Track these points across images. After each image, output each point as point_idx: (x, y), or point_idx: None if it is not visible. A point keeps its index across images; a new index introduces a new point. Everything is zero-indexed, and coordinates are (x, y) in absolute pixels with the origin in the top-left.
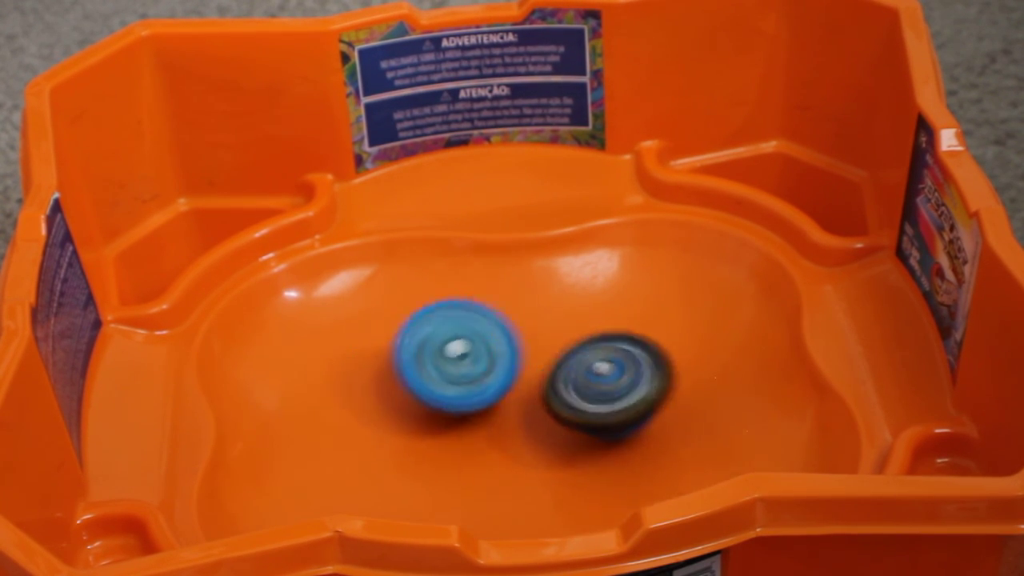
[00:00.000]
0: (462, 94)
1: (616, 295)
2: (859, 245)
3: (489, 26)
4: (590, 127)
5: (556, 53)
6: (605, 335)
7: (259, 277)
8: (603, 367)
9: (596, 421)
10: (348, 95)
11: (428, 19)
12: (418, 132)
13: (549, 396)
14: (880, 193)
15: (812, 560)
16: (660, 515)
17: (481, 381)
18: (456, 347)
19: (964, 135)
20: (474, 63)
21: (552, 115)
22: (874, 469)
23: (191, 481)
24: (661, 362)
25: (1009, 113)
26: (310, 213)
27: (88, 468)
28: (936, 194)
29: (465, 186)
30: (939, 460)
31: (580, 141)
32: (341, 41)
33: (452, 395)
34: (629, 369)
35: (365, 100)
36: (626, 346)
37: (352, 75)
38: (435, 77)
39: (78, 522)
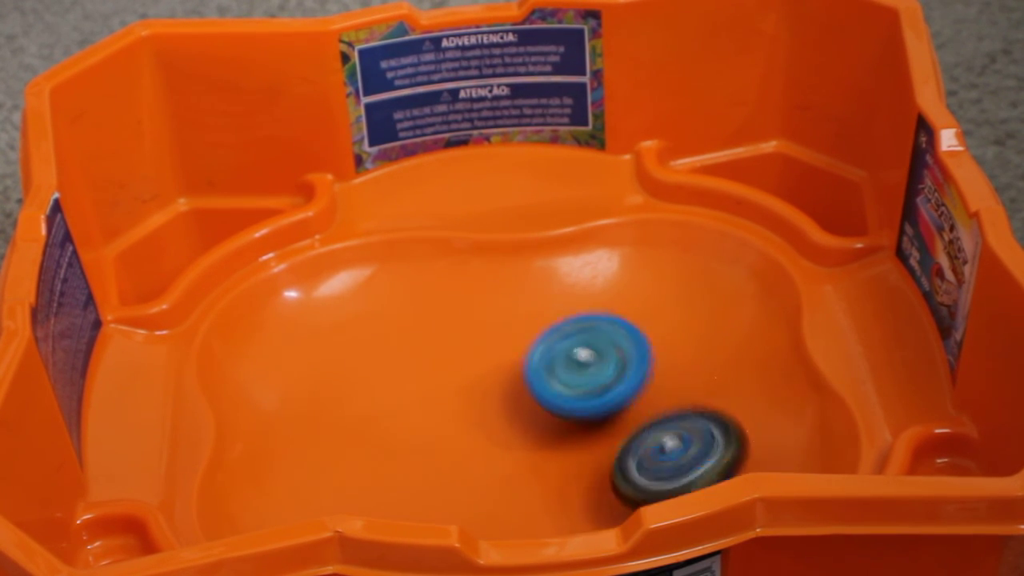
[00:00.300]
0: (462, 94)
1: (616, 295)
2: (859, 245)
3: (489, 26)
4: (590, 127)
5: (556, 53)
6: (678, 414)
7: (259, 277)
8: (670, 443)
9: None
10: (348, 95)
11: (428, 19)
12: (418, 132)
13: (617, 478)
14: (880, 193)
15: (812, 560)
16: (660, 515)
17: (610, 387)
18: (583, 354)
19: (964, 135)
20: (474, 63)
21: (552, 115)
22: (874, 469)
23: (191, 481)
24: (732, 432)
25: (1009, 113)
26: (310, 213)
27: (88, 468)
28: (936, 194)
29: (465, 186)
30: (939, 460)
31: (580, 141)
32: (341, 41)
33: (580, 403)
34: (696, 443)
35: (365, 100)
36: (698, 421)
37: (352, 75)
38: (435, 77)
39: (78, 522)
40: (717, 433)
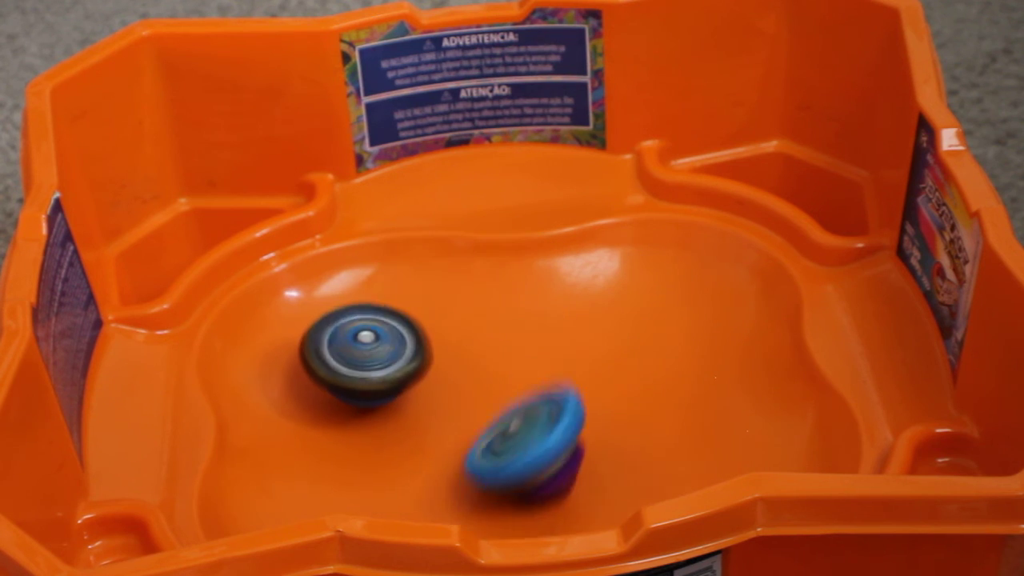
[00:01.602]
0: (463, 94)
1: (617, 295)
2: (860, 245)
3: (490, 26)
4: (591, 127)
5: (557, 53)
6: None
7: (260, 277)
8: (367, 336)
9: (350, 386)
10: (349, 95)
11: (429, 19)
12: (419, 132)
13: (310, 357)
14: (881, 193)
15: (813, 560)
16: (660, 515)
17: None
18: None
19: (965, 135)
20: (475, 63)
21: (553, 115)
22: (875, 469)
23: (192, 481)
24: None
25: (1010, 113)
26: (311, 213)
27: (89, 468)
28: (937, 194)
29: (466, 186)
30: (940, 460)
31: (581, 141)
32: (342, 41)
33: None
34: (391, 340)
35: (366, 100)
36: (391, 320)
37: (353, 75)
38: (436, 77)
39: (79, 522)
40: (408, 336)
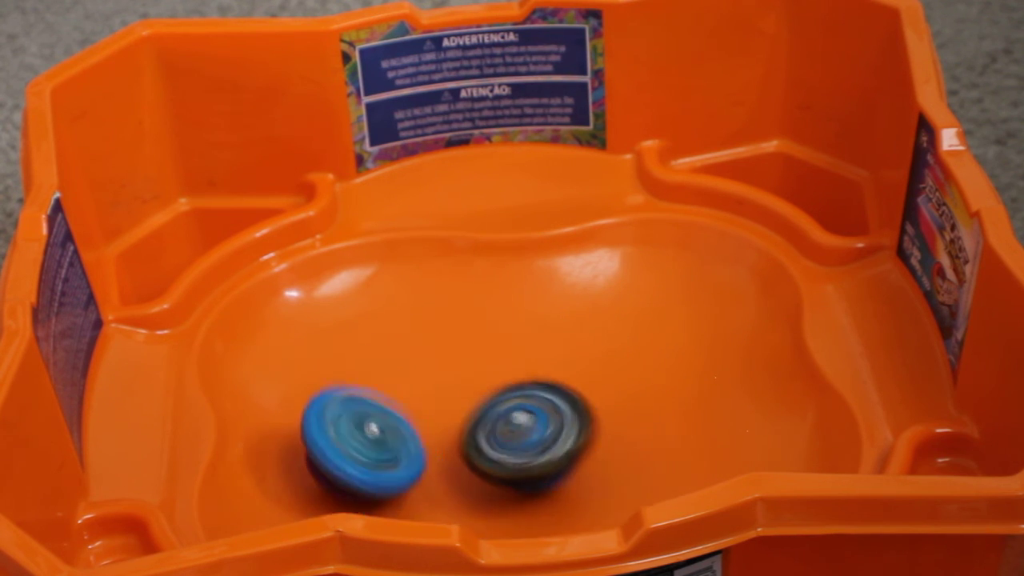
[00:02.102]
0: (463, 94)
1: (617, 295)
2: (860, 245)
3: (490, 26)
4: (591, 127)
5: (557, 53)
6: (523, 385)
7: (260, 277)
8: (522, 418)
9: (517, 474)
10: (349, 95)
11: (429, 19)
12: (419, 132)
13: (469, 451)
14: (881, 192)
15: (813, 560)
16: (661, 515)
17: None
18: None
19: (965, 135)
20: (475, 63)
21: (553, 115)
22: (875, 469)
23: (192, 481)
24: (582, 411)
25: (1010, 113)
26: (311, 213)
27: (89, 468)
28: (937, 194)
29: (466, 186)
30: (940, 460)
31: (581, 141)
32: (342, 41)
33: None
34: (552, 420)
35: (366, 100)
36: (546, 395)
37: (353, 75)
38: (436, 77)
39: (79, 522)
40: (563, 406)
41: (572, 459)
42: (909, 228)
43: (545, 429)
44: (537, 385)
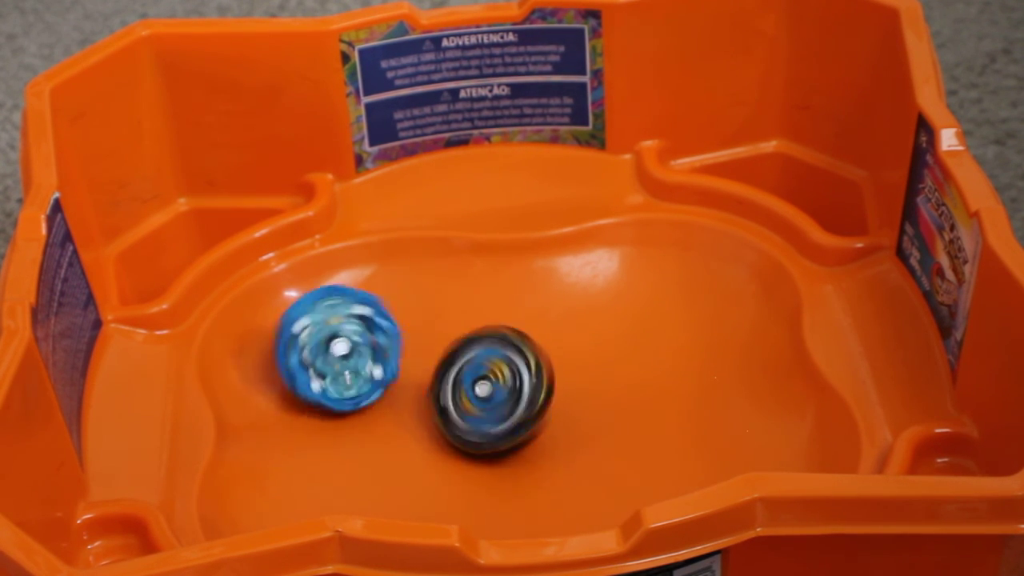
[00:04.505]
0: (462, 94)
1: (616, 295)
2: (859, 245)
3: (489, 26)
4: (590, 127)
5: (556, 53)
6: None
7: (259, 277)
8: (483, 389)
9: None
10: (348, 95)
11: (428, 19)
12: (418, 132)
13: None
14: (880, 193)
15: (812, 560)
16: (660, 515)
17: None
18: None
19: (964, 135)
20: (474, 63)
21: (552, 115)
22: (874, 469)
23: (191, 481)
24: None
25: (1009, 113)
26: (310, 213)
27: (88, 468)
28: (936, 194)
29: (465, 186)
30: (939, 460)
31: (580, 141)
32: (341, 41)
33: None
34: (506, 386)
35: (365, 100)
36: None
37: (352, 75)
38: (435, 77)
39: (78, 522)
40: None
41: (537, 417)
42: (908, 228)
43: (504, 394)
44: (486, 338)
